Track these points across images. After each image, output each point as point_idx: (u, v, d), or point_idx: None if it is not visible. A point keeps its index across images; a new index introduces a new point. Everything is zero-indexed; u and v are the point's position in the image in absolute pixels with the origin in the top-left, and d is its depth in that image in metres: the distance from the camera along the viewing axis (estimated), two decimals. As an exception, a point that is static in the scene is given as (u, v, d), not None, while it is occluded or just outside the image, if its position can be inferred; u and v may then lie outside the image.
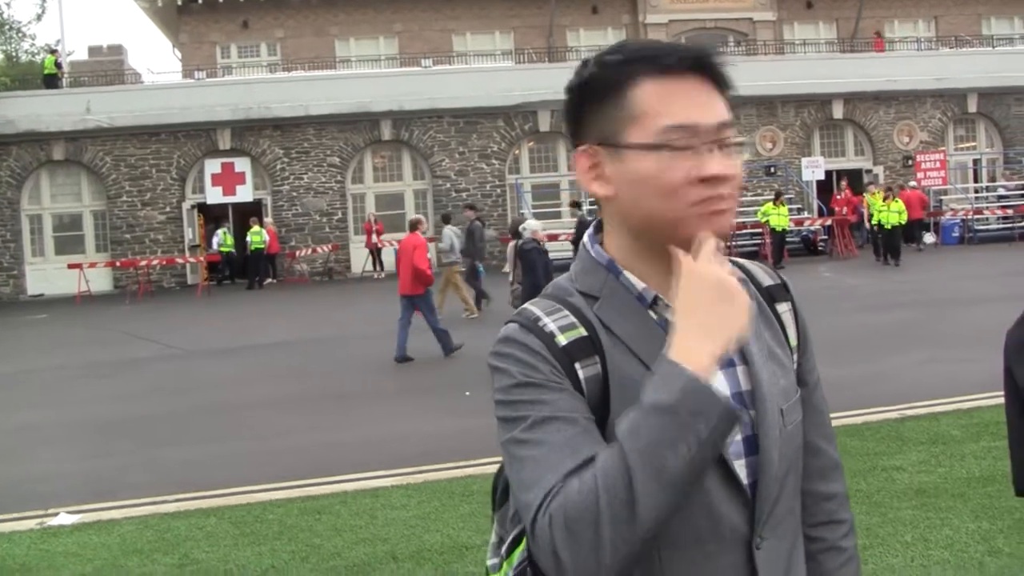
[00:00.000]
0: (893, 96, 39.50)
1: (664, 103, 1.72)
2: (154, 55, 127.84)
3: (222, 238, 35.15)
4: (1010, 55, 42.78)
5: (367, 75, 38.55)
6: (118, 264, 34.37)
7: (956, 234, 36.20)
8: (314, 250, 35.70)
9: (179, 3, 41.69)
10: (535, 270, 15.80)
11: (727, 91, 1.81)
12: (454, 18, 43.22)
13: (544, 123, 37.56)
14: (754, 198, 37.43)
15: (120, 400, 14.50)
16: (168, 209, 35.79)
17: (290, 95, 35.97)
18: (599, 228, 1.89)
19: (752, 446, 1.78)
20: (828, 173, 37.45)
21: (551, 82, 36.77)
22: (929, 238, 35.26)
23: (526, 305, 1.82)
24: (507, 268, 17.09)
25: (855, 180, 37.53)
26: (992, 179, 40.79)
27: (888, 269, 28.12)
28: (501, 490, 2.00)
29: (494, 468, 7.28)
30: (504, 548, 1.90)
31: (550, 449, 1.66)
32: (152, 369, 17.31)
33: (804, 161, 36.90)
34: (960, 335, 14.43)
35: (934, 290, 21.63)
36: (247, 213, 35.31)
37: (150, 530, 7.94)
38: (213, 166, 35.76)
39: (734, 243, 33.26)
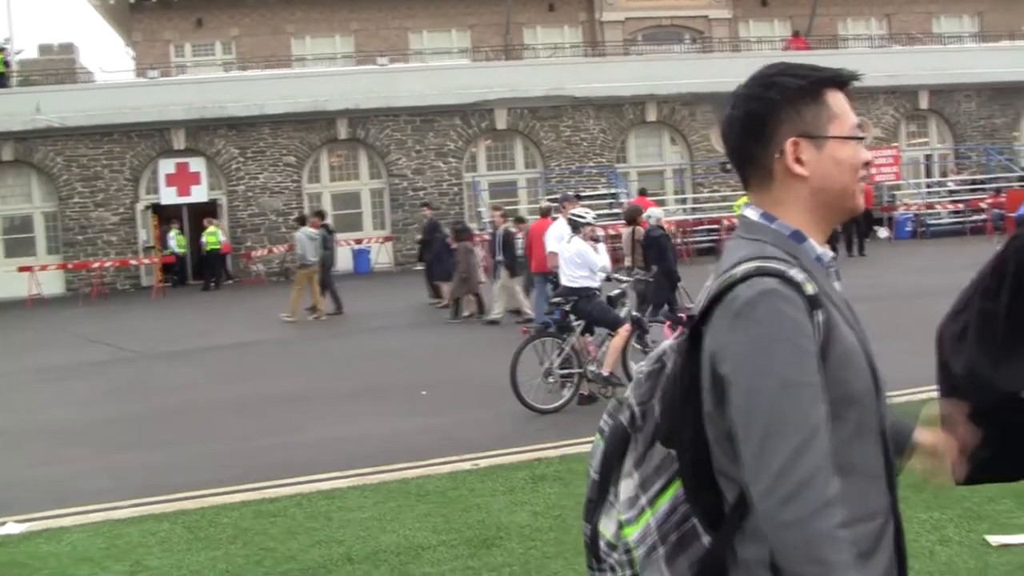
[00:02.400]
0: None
1: (846, 109, 2.35)
2: (106, 54, 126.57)
3: (174, 239, 34.85)
4: (960, 53, 43.23)
5: (323, 73, 38.35)
6: (70, 266, 33.99)
7: (909, 228, 36.52)
8: (270, 250, 35.46)
9: (131, 1, 41.25)
10: (666, 256, 15.56)
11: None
12: (411, 16, 43.07)
13: (501, 121, 37.52)
14: (710, 194, 37.66)
15: (73, 405, 14.37)
16: (121, 210, 35.40)
17: (245, 94, 35.68)
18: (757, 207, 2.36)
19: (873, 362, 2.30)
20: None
21: (508, 80, 36.87)
22: (883, 232, 35.54)
23: (761, 262, 2.18)
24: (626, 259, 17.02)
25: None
26: (943, 174, 41.20)
27: (848, 262, 28.33)
28: (617, 452, 2.40)
29: (450, 468, 7.23)
30: (646, 499, 2.30)
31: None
32: (106, 373, 17.15)
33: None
34: (913, 327, 14.54)
35: (888, 283, 21.77)
36: (202, 213, 35.00)
37: (101, 537, 7.83)
38: (167, 166, 35.38)
39: (692, 239, 33.44)
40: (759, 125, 2.31)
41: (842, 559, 2.03)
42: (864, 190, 2.38)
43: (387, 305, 24.43)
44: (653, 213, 16.87)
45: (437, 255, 23.19)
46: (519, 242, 20.30)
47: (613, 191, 35.76)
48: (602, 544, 2.33)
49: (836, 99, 2.33)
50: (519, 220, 21.61)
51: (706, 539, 2.19)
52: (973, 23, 48.90)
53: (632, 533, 2.28)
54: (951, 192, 39.11)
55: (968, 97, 41.63)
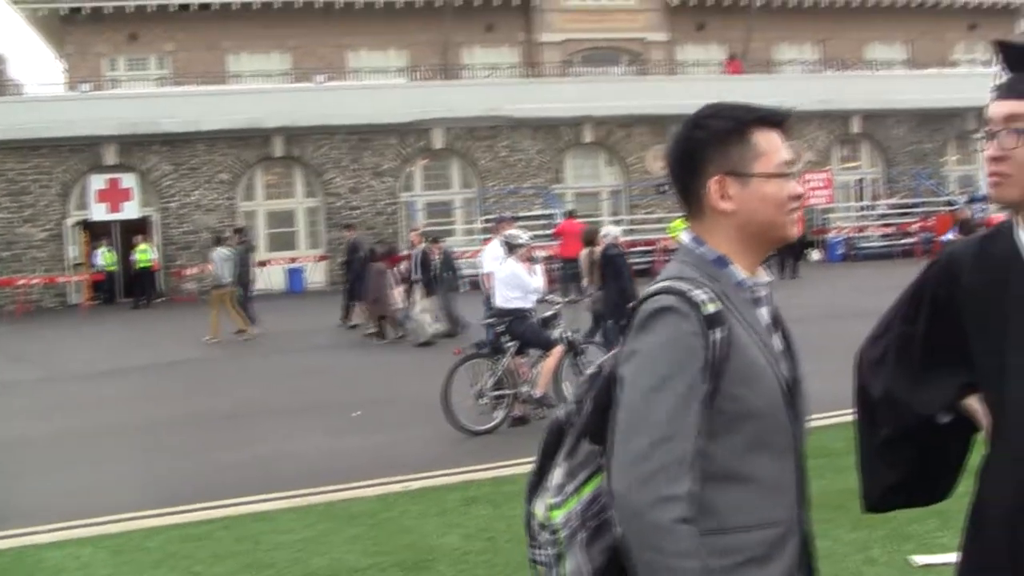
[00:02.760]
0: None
1: (774, 146, 2.51)
2: (37, 67, 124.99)
3: (103, 256, 34.41)
4: (891, 79, 43.95)
5: (259, 90, 38.15)
6: (-6, 283, 33.45)
7: (841, 251, 36.99)
8: (202, 268, 35.08)
9: (63, 13, 40.79)
10: (622, 275, 15.46)
11: (788, 138, 2.58)
12: (348, 34, 42.94)
13: (438, 141, 37.52)
14: (646, 216, 37.86)
15: (-6, 424, 14.10)
16: (50, 226, 34.90)
17: (180, 110, 35.34)
18: (694, 234, 2.56)
19: (795, 384, 2.54)
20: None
21: (446, 99, 36.88)
22: (815, 255, 35.92)
23: (671, 282, 2.42)
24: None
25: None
26: (875, 198, 41.74)
27: (781, 284, 28.53)
28: (553, 443, 2.60)
29: (381, 489, 7.17)
30: (572, 487, 2.49)
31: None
32: (30, 392, 16.85)
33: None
34: (843, 349, 14.70)
35: (819, 305, 21.97)
36: (133, 230, 34.58)
37: (21, 563, 7.66)
38: (98, 182, 34.91)
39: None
40: (689, 162, 2.52)
41: (678, 549, 2.24)
42: (797, 220, 2.54)
43: (319, 324, 24.26)
44: (610, 231, 16.95)
45: (357, 276, 23.17)
46: (436, 261, 20.47)
47: (549, 212, 35.83)
48: (535, 524, 2.53)
49: (764, 138, 2.50)
50: (435, 240, 21.75)
51: (618, 529, 2.35)
52: (904, 51, 49.70)
53: (558, 516, 2.48)
54: (882, 216, 39.69)
55: (899, 122, 42.28)
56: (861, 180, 42.87)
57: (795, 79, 43.50)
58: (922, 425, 2.82)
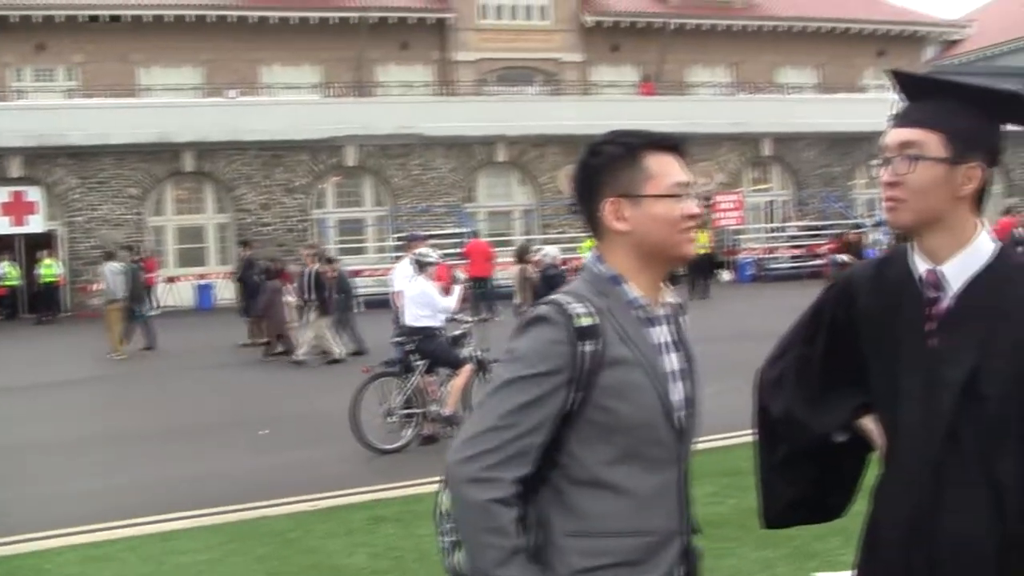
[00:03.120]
0: (693, 138, 40.44)
1: (665, 169, 2.64)
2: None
3: (6, 270, 33.74)
4: (802, 103, 44.68)
5: (170, 104, 37.67)
6: None
7: (751, 272, 37.45)
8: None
9: (-34, 22, 40.04)
10: None
11: (687, 160, 2.71)
12: (262, 49, 42.60)
13: (351, 158, 37.37)
14: (558, 235, 37.98)
15: None
16: (-48, 240, 34.23)
17: (88, 122, 34.78)
18: (598, 253, 2.69)
19: (687, 403, 2.68)
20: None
21: (359, 116, 36.80)
22: (726, 275, 36.32)
23: (558, 295, 2.60)
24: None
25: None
26: (785, 220, 42.32)
27: (691, 304, 28.76)
28: None
29: (288, 508, 7.08)
30: None
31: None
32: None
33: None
34: (751, 369, 14.83)
35: (728, 325, 22.18)
36: (38, 245, 33.96)
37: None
38: (2, 194, 34.14)
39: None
40: (586, 187, 2.70)
41: (489, 525, 2.42)
42: (692, 239, 2.69)
43: (225, 341, 23.98)
44: (548, 251, 17.08)
45: (251, 293, 23.03)
46: (330, 283, 20.49)
47: (461, 231, 35.86)
48: (439, 512, 2.67)
49: (656, 161, 2.64)
50: (329, 260, 21.74)
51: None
52: (815, 75, 50.53)
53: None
54: (792, 237, 40.25)
55: (809, 145, 42.93)
56: (771, 202, 43.47)
57: (708, 101, 44.06)
58: (819, 444, 2.88)
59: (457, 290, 13.54)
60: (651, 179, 2.62)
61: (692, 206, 2.66)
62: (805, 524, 3.13)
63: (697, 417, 2.73)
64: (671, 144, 2.69)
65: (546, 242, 37.08)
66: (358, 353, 20.08)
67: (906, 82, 2.79)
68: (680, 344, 2.73)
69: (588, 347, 2.49)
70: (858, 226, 35.20)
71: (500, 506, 2.43)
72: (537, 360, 2.49)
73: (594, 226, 2.70)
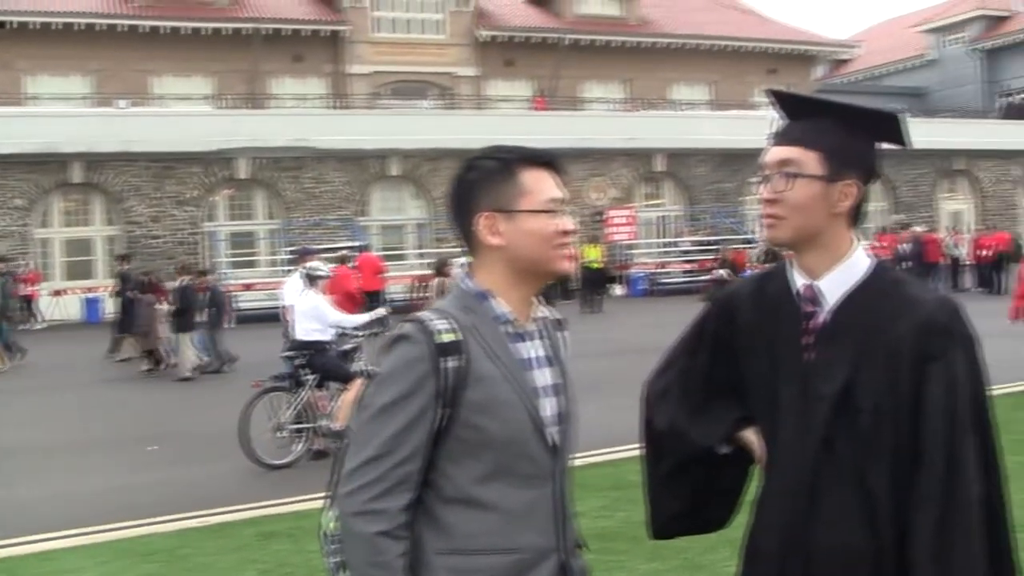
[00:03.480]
0: (586, 154, 40.86)
1: (540, 184, 2.66)
2: None
3: None
4: (694, 119, 45.36)
5: (58, 114, 37.00)
6: None
7: (643, 286, 37.80)
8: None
9: None
10: None
11: (562, 176, 2.74)
12: (153, 59, 42.09)
13: (242, 170, 37.00)
14: (451, 249, 37.90)
15: None
16: None
17: (-30, 132, 34.07)
18: (470, 270, 2.72)
19: (560, 419, 2.66)
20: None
21: (252, 128, 36.47)
22: (618, 290, 36.62)
23: (426, 314, 2.61)
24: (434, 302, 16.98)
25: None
26: (677, 235, 42.79)
27: (585, 319, 29.00)
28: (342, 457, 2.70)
29: (177, 525, 6.95)
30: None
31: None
32: None
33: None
34: (640, 383, 14.98)
35: (620, 339, 22.40)
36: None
37: None
38: None
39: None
40: (461, 202, 2.73)
41: (374, 560, 2.46)
42: (567, 255, 2.68)
43: (110, 355, 23.58)
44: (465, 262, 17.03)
45: (125, 308, 22.77)
46: (202, 296, 20.51)
47: (355, 244, 35.66)
48: (322, 534, 2.67)
49: (531, 176, 2.66)
50: (202, 273, 21.69)
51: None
52: (707, 92, 51.33)
53: (338, 527, 2.63)
54: (684, 252, 40.71)
55: (701, 162, 43.48)
56: (663, 217, 43.91)
57: (601, 117, 44.48)
58: (703, 456, 2.91)
59: (383, 311, 13.41)
60: (526, 194, 2.64)
61: (567, 222, 2.69)
62: (691, 535, 3.16)
63: (573, 433, 2.73)
64: (546, 160, 2.71)
65: (439, 256, 37.22)
66: (217, 372, 20.01)
67: (785, 101, 2.84)
68: (554, 359, 2.73)
69: (451, 363, 2.50)
70: (749, 241, 35.81)
71: (386, 539, 2.46)
72: (401, 381, 2.51)
73: (468, 241, 2.73)
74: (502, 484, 2.56)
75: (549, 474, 2.64)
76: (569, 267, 2.73)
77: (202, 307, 20.24)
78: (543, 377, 2.67)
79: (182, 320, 19.74)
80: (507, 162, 2.68)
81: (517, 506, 2.57)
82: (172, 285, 20.89)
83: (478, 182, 2.68)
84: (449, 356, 2.51)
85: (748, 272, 19.89)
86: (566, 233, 2.68)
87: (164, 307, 20.75)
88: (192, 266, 22.49)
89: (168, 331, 20.41)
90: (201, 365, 19.96)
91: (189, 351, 19.75)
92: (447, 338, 2.52)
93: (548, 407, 2.65)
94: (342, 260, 20.84)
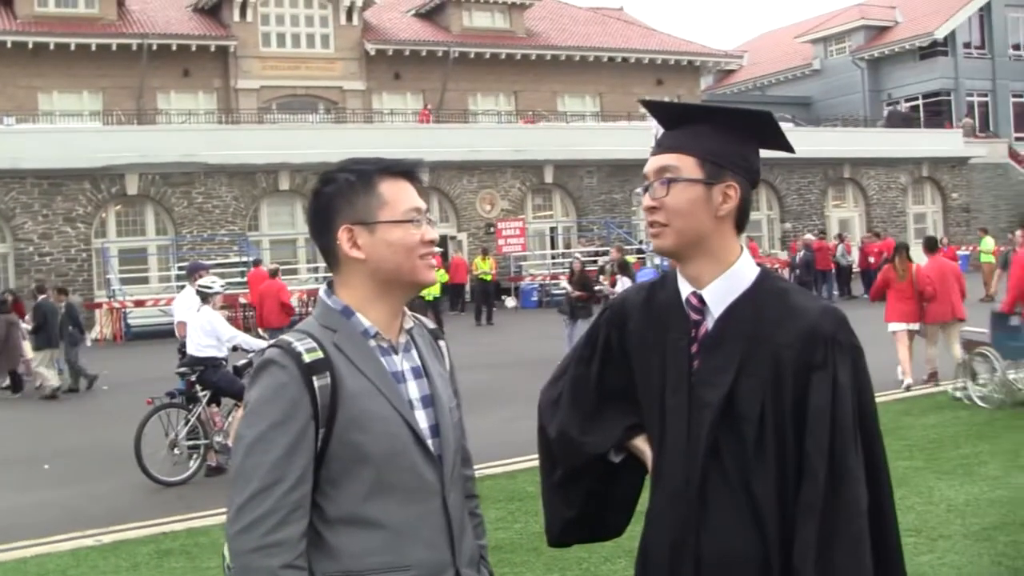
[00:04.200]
0: (476, 166, 41.05)
1: (399, 195, 2.65)
2: None
3: None
4: (581, 130, 45.78)
5: (-57, 131, 36.38)
6: None
7: (535, 298, 37.97)
8: None
9: None
10: None
11: (420, 186, 2.75)
12: (40, 75, 41.49)
13: (132, 186, 36.51)
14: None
15: None
16: None
17: None
18: (331, 286, 2.71)
19: (436, 430, 2.66)
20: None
21: (140, 144, 36.08)
22: (510, 302, 36.76)
23: (288, 336, 2.59)
24: None
25: (441, 246, 38.57)
26: (568, 246, 43.01)
27: (476, 330, 29.18)
28: None
29: (71, 544, 7.12)
30: None
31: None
32: None
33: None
34: (533, 394, 15.07)
35: (512, 351, 22.61)
36: None
37: None
38: None
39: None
40: (320, 217, 2.69)
41: None
42: (431, 265, 2.70)
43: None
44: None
45: None
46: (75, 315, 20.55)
47: (245, 259, 35.52)
48: (228, 566, 2.57)
49: (391, 187, 2.66)
50: (61, 291, 21.68)
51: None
52: (594, 103, 51.75)
53: None
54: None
55: (590, 173, 43.65)
56: (554, 228, 44.01)
57: (490, 129, 44.44)
58: (596, 463, 2.95)
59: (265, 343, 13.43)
60: (385, 205, 2.63)
61: (428, 231, 2.69)
62: (586, 542, 3.18)
63: (453, 443, 2.70)
64: (404, 170, 2.72)
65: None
66: (72, 390, 19.96)
67: (658, 111, 2.87)
68: (425, 371, 2.72)
69: (320, 382, 2.48)
70: (641, 251, 36.18)
71: (291, 571, 2.41)
72: (274, 407, 2.47)
73: (330, 256, 2.70)
74: (386, 500, 2.53)
75: (436, 487, 2.63)
76: (433, 276, 2.73)
77: (64, 325, 20.12)
78: (415, 389, 2.67)
79: (38, 338, 19.64)
80: (365, 173, 2.67)
81: (404, 522, 2.55)
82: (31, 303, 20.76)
83: (336, 195, 2.65)
84: (316, 375, 2.49)
85: (599, 287, 20.15)
86: (429, 242, 2.68)
87: (25, 325, 20.62)
88: (42, 283, 22.26)
89: (31, 350, 20.29)
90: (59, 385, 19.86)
91: (45, 370, 19.64)
92: (311, 357, 2.50)
93: (424, 419, 2.64)
94: (273, 273, 21.92)
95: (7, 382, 20.71)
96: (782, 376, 2.59)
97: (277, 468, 2.43)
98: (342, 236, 2.63)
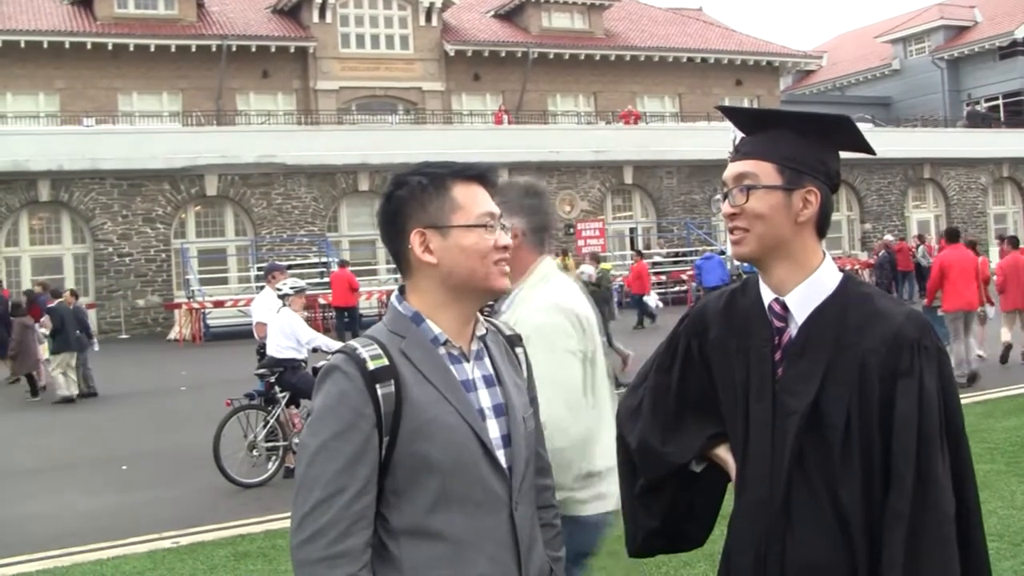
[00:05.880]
0: (556, 167, 40.94)
1: (473, 199, 2.61)
2: None
3: None
4: (660, 131, 45.52)
5: (24, 132, 36.93)
6: None
7: (616, 299, 37.69)
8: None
9: None
10: None
11: (494, 192, 2.71)
12: (120, 76, 41.95)
13: (211, 187, 36.85)
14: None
15: None
16: None
17: (-62, 151, 33.80)
18: (402, 292, 2.67)
19: (507, 440, 2.59)
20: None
21: (219, 145, 36.33)
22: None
23: (355, 341, 2.59)
24: None
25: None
26: (647, 247, 42.83)
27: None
28: None
29: (148, 547, 6.94)
30: None
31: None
32: None
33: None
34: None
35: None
36: None
37: None
38: None
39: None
40: (392, 221, 2.64)
41: None
42: (503, 271, 2.65)
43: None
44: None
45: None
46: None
47: (325, 260, 35.62)
48: None
49: (464, 191, 2.61)
50: (72, 294, 21.68)
51: None
52: (673, 104, 51.52)
53: None
54: (655, 264, 40.69)
55: (669, 174, 43.58)
56: (634, 229, 43.94)
57: (569, 130, 44.51)
58: (677, 473, 2.90)
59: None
60: (459, 209, 2.60)
61: (502, 237, 2.65)
62: (668, 552, 3.14)
63: (525, 453, 2.65)
64: (478, 174, 2.67)
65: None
66: (87, 395, 20.02)
67: (735, 116, 2.86)
68: (498, 379, 2.68)
69: (383, 390, 2.44)
70: (723, 252, 35.82)
71: None
72: (338, 416, 2.43)
73: (401, 261, 2.66)
74: (451, 512, 2.49)
75: (503, 499, 2.57)
76: (505, 283, 2.68)
77: (78, 328, 20.15)
78: (487, 398, 2.62)
79: (56, 341, 19.70)
80: (438, 177, 2.63)
81: (468, 534, 2.50)
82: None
83: (409, 199, 2.62)
84: (381, 383, 2.45)
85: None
86: (502, 248, 2.64)
87: (41, 329, 20.72)
88: (50, 286, 22.37)
89: (46, 353, 20.39)
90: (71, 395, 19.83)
91: (61, 376, 19.67)
92: (376, 364, 2.46)
93: (495, 428, 2.59)
94: (343, 264, 24.23)
95: (27, 385, 20.83)
96: (868, 382, 2.57)
97: (339, 478, 2.41)
98: (414, 240, 2.60)
